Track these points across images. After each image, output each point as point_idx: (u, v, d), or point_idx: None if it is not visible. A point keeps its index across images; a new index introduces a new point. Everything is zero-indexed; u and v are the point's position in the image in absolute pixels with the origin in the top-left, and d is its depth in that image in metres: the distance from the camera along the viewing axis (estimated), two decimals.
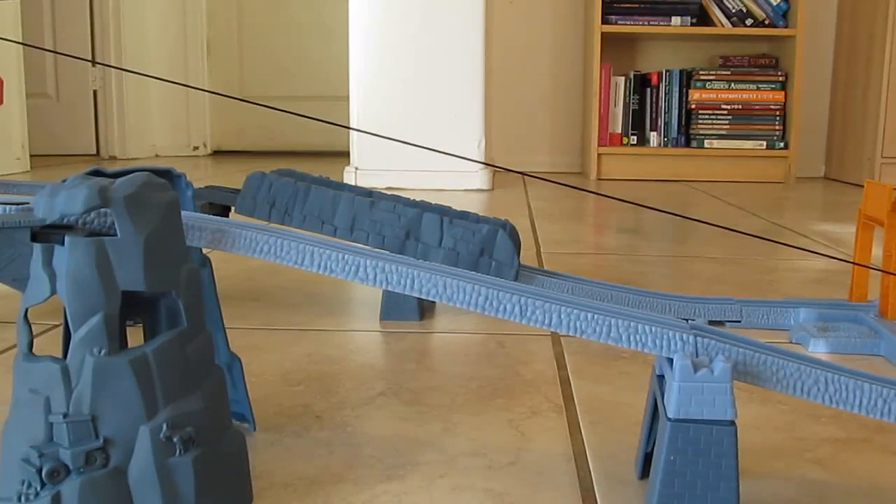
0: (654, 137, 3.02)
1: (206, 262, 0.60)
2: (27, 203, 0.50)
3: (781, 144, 2.94)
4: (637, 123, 3.02)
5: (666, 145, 3.01)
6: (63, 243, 0.44)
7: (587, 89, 3.07)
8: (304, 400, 0.71)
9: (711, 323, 0.94)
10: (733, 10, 2.92)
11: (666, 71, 3.01)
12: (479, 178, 2.52)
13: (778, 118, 2.95)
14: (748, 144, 2.96)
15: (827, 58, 3.17)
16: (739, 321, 0.96)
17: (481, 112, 2.51)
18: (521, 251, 1.38)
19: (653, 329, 0.50)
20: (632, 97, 3.01)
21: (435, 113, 2.50)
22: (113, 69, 3.51)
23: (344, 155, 2.78)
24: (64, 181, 0.46)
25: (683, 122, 3.00)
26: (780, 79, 2.95)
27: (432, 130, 2.50)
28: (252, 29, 4.02)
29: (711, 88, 2.97)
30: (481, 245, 0.93)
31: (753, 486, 0.56)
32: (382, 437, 0.63)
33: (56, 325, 0.92)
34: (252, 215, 0.97)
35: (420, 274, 0.52)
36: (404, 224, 0.94)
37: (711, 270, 1.30)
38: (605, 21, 2.89)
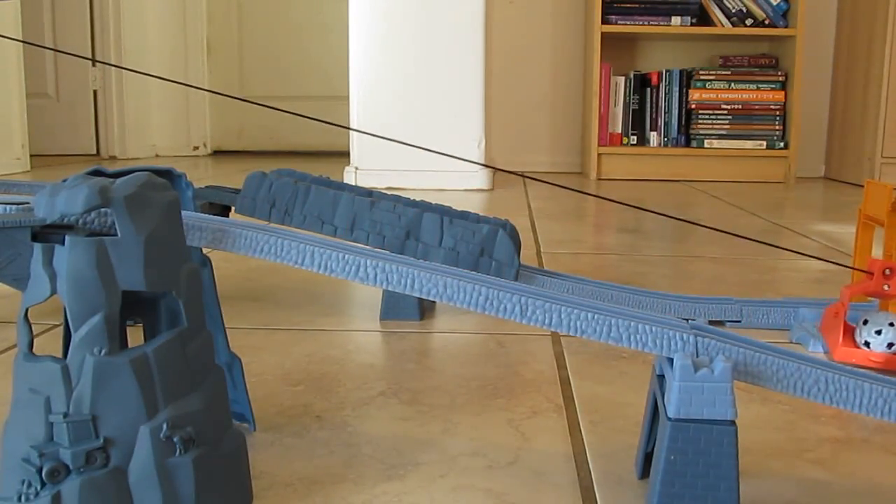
0: (654, 137, 3.02)
1: (206, 262, 0.60)
2: (27, 203, 0.50)
3: (781, 144, 2.95)
4: (637, 123, 3.02)
5: (666, 145, 3.01)
6: (63, 243, 0.44)
7: (587, 89, 3.07)
8: (304, 400, 0.71)
9: (711, 323, 0.94)
10: (733, 10, 2.92)
11: (666, 71, 3.01)
12: (479, 178, 2.52)
13: (778, 118, 2.95)
14: (748, 144, 2.96)
15: (827, 58, 3.17)
16: (739, 321, 0.96)
17: (481, 112, 2.51)
18: (521, 251, 1.38)
19: (653, 329, 0.50)
20: (632, 97, 3.02)
21: (435, 113, 2.50)
22: (113, 69, 3.51)
23: (344, 155, 2.78)
24: (64, 181, 0.46)
25: (683, 122, 3.00)
26: (780, 79, 2.95)
27: (432, 130, 2.50)
28: (252, 29, 4.02)
29: (711, 88, 2.97)
30: (481, 245, 0.93)
31: (753, 486, 0.56)
32: (382, 437, 0.63)
33: (56, 325, 0.92)
34: (252, 215, 0.97)
35: (420, 274, 0.52)
36: (404, 224, 0.94)
37: (711, 270, 1.30)
38: (605, 21, 2.89)
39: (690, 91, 2.98)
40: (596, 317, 0.51)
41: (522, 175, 0.75)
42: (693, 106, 2.98)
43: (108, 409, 0.44)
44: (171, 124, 3.87)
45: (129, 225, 0.45)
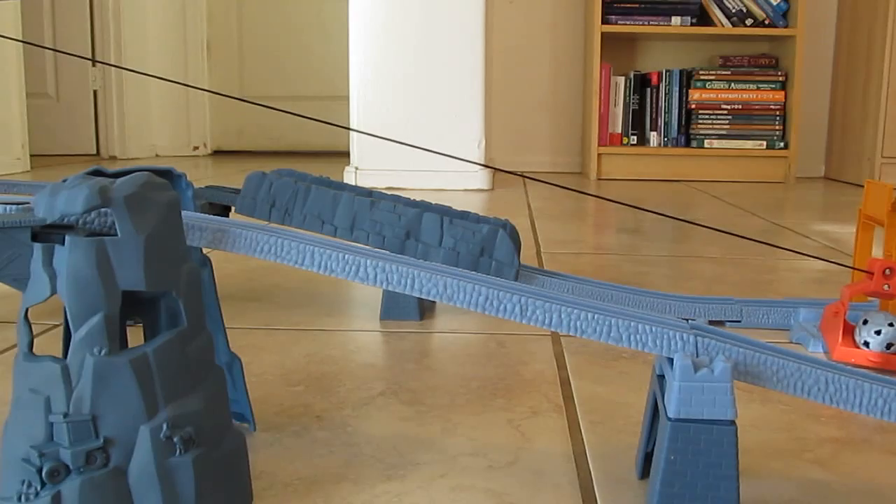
0: (654, 137, 3.02)
1: (206, 262, 0.60)
2: (27, 203, 0.50)
3: (781, 144, 2.95)
4: (637, 123, 3.02)
5: (666, 145, 3.01)
6: (63, 243, 0.44)
7: (587, 89, 3.07)
8: (304, 400, 0.71)
9: (711, 323, 0.94)
10: (733, 10, 2.92)
11: (666, 71, 3.01)
12: (479, 178, 2.52)
13: (778, 118, 2.95)
14: (748, 144, 2.96)
15: (827, 58, 3.17)
16: (739, 321, 0.96)
17: (481, 112, 2.51)
18: (521, 251, 1.38)
19: (653, 329, 0.50)
20: (632, 97, 3.02)
21: (435, 113, 2.50)
22: (113, 69, 3.51)
23: (344, 155, 2.78)
24: (64, 181, 0.46)
25: (683, 122, 3.00)
26: (780, 79, 2.95)
27: (432, 130, 2.50)
28: (252, 29, 4.02)
29: (711, 88, 2.97)
30: (481, 245, 0.93)
31: (753, 486, 0.56)
32: (382, 437, 0.63)
33: (56, 325, 0.92)
34: (252, 215, 0.97)
35: (420, 274, 0.52)
36: (404, 224, 0.94)
37: (711, 270, 1.30)
38: (605, 21, 2.89)
39: (690, 91, 2.98)
40: (596, 317, 0.51)
41: (522, 175, 0.75)
42: (693, 106, 2.98)
43: (108, 409, 0.44)
44: (171, 124, 3.87)
45: (129, 225, 0.45)
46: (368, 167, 2.53)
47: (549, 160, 3.30)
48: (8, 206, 0.50)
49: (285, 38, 4.00)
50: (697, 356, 0.49)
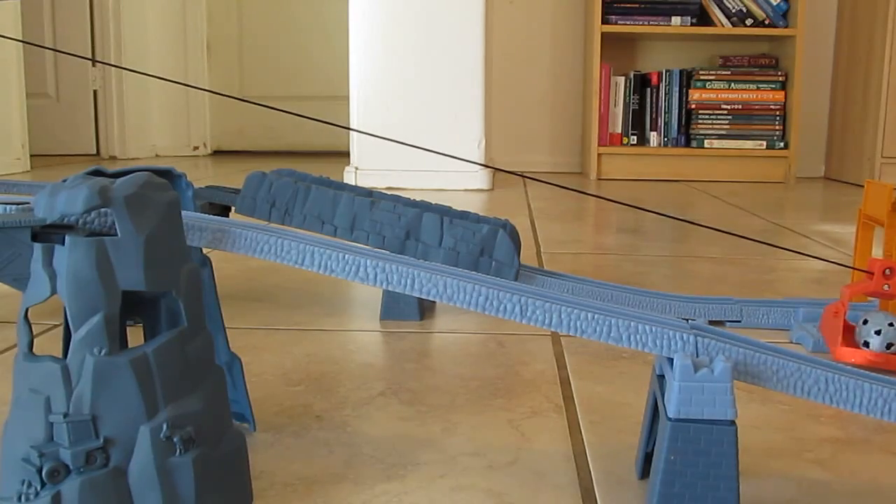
0: (654, 137, 3.02)
1: (206, 262, 0.60)
2: (27, 203, 0.50)
3: (781, 144, 2.95)
4: (637, 123, 3.02)
5: (666, 145, 3.01)
6: (63, 243, 0.44)
7: (587, 89, 3.07)
8: (304, 400, 0.71)
9: (711, 323, 0.94)
10: (733, 10, 2.92)
11: (666, 71, 3.01)
12: (479, 178, 2.52)
13: (778, 118, 2.95)
14: (748, 144, 2.96)
15: (827, 58, 3.17)
16: (739, 321, 0.96)
17: (481, 112, 2.51)
18: (521, 251, 1.38)
19: (653, 329, 0.50)
20: (632, 97, 3.01)
21: (435, 113, 2.50)
22: (113, 69, 3.51)
23: (344, 155, 2.78)
24: (64, 181, 0.46)
25: (683, 122, 3.00)
26: (780, 79, 2.95)
27: (432, 130, 2.50)
28: (252, 29, 4.02)
29: (711, 88, 2.97)
30: (481, 245, 0.93)
31: (753, 486, 0.56)
32: (382, 437, 0.63)
33: (56, 325, 0.92)
34: (252, 215, 0.97)
35: (420, 274, 0.52)
36: (404, 224, 0.94)
37: (711, 270, 1.30)
38: (605, 21, 2.89)
39: (690, 91, 2.98)
40: (596, 317, 0.51)
41: (522, 175, 0.75)
42: (693, 106, 2.98)
43: (108, 409, 0.44)
44: (171, 124, 3.87)
45: (129, 225, 0.45)
46: (368, 167, 2.53)
47: (549, 160, 3.30)
48: (8, 206, 0.50)
49: (285, 38, 4.00)
50: (697, 356, 0.49)
